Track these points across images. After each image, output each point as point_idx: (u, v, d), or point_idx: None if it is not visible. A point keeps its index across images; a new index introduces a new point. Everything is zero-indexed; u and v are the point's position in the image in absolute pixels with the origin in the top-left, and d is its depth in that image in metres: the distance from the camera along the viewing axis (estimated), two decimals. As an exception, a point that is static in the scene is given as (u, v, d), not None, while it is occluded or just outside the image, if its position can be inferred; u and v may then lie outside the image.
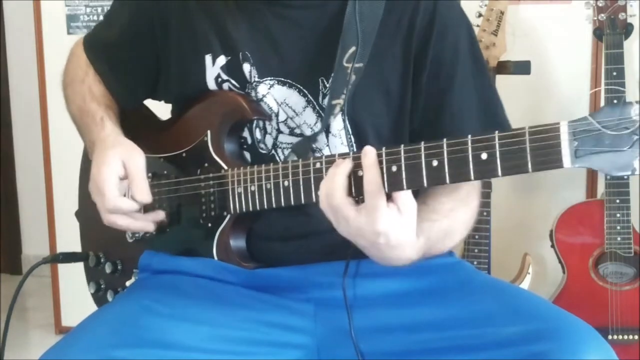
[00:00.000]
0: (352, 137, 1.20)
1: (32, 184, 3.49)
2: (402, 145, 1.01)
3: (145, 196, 1.20)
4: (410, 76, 1.20)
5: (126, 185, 1.20)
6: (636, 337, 2.21)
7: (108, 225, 1.23)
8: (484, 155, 0.94)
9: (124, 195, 1.20)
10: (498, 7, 2.18)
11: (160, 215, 1.26)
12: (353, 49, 1.17)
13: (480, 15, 2.19)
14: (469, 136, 0.96)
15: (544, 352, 0.99)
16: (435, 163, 0.98)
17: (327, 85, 1.20)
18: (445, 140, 0.97)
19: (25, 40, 3.14)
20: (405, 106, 1.21)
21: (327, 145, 1.21)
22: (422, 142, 0.99)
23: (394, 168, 1.00)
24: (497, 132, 0.94)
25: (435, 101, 1.20)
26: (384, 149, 1.02)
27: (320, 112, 1.21)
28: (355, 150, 1.19)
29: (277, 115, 1.22)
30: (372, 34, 1.18)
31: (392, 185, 1.01)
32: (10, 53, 3.67)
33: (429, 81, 1.20)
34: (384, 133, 1.22)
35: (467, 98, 1.21)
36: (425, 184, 0.99)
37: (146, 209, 1.25)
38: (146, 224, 1.24)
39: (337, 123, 1.20)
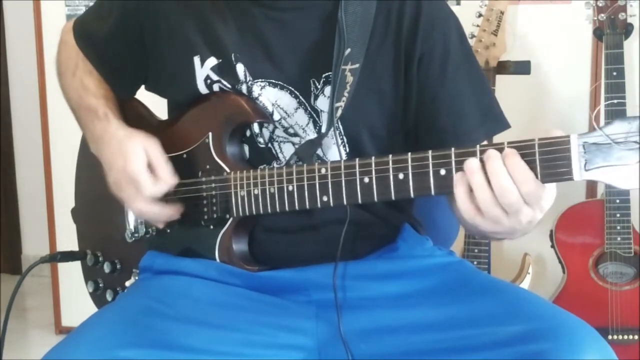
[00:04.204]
0: (344, 137, 1.20)
1: (32, 184, 3.48)
2: (410, 154, 1.02)
3: (171, 179, 1.20)
4: (402, 75, 1.20)
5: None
6: (636, 337, 2.21)
7: (139, 215, 1.25)
8: None
9: None
10: (498, 7, 2.18)
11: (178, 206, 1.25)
12: (349, 50, 1.17)
13: (480, 15, 2.19)
14: (477, 146, 0.96)
15: (542, 351, 0.99)
16: (442, 172, 0.99)
17: (319, 87, 1.20)
18: (453, 149, 0.98)
19: (25, 40, 3.14)
20: (398, 105, 1.21)
21: (320, 147, 1.20)
22: (430, 151, 1.00)
23: (401, 176, 1.02)
24: (506, 143, 0.94)
25: (429, 98, 1.20)
26: (390, 156, 1.03)
27: (312, 113, 1.20)
28: (348, 150, 1.20)
29: (272, 114, 1.21)
30: (366, 35, 1.18)
31: (398, 192, 1.02)
32: (10, 53, 3.67)
33: (421, 78, 1.20)
34: (378, 133, 1.22)
35: (462, 93, 1.21)
36: (433, 192, 1.00)
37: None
38: (174, 209, 1.23)
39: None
